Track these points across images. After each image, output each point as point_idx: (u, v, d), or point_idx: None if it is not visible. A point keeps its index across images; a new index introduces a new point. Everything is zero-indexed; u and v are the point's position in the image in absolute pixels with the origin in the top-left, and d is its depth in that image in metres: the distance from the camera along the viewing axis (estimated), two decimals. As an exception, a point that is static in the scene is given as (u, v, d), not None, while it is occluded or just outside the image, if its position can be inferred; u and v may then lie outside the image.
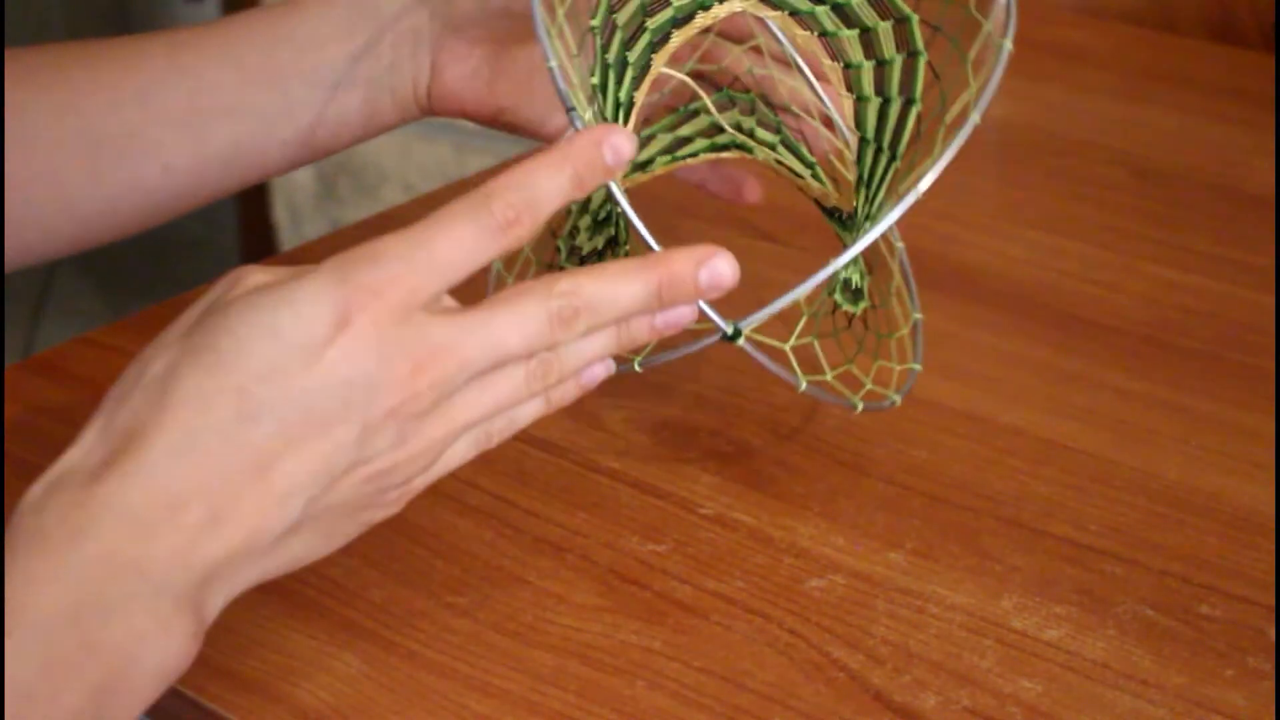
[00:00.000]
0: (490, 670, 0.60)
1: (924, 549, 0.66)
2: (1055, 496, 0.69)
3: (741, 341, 0.60)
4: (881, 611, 0.63)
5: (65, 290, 2.29)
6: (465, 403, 0.53)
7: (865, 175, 0.69)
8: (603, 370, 0.56)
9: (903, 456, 0.72)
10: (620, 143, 0.54)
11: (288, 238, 2.05)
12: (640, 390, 0.75)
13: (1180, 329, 0.83)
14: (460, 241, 0.51)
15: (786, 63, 0.74)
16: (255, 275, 0.52)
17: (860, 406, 0.68)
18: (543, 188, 0.53)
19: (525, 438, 0.72)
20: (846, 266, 0.67)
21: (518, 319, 0.52)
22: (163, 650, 0.49)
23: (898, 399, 0.69)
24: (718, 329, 0.59)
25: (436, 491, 0.68)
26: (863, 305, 0.70)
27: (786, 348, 0.66)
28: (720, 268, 0.54)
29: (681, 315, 0.55)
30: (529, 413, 0.55)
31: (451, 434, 0.53)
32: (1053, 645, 0.61)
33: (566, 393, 0.56)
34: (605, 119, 0.64)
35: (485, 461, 0.71)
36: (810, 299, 0.66)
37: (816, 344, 0.69)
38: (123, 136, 0.70)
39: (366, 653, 0.60)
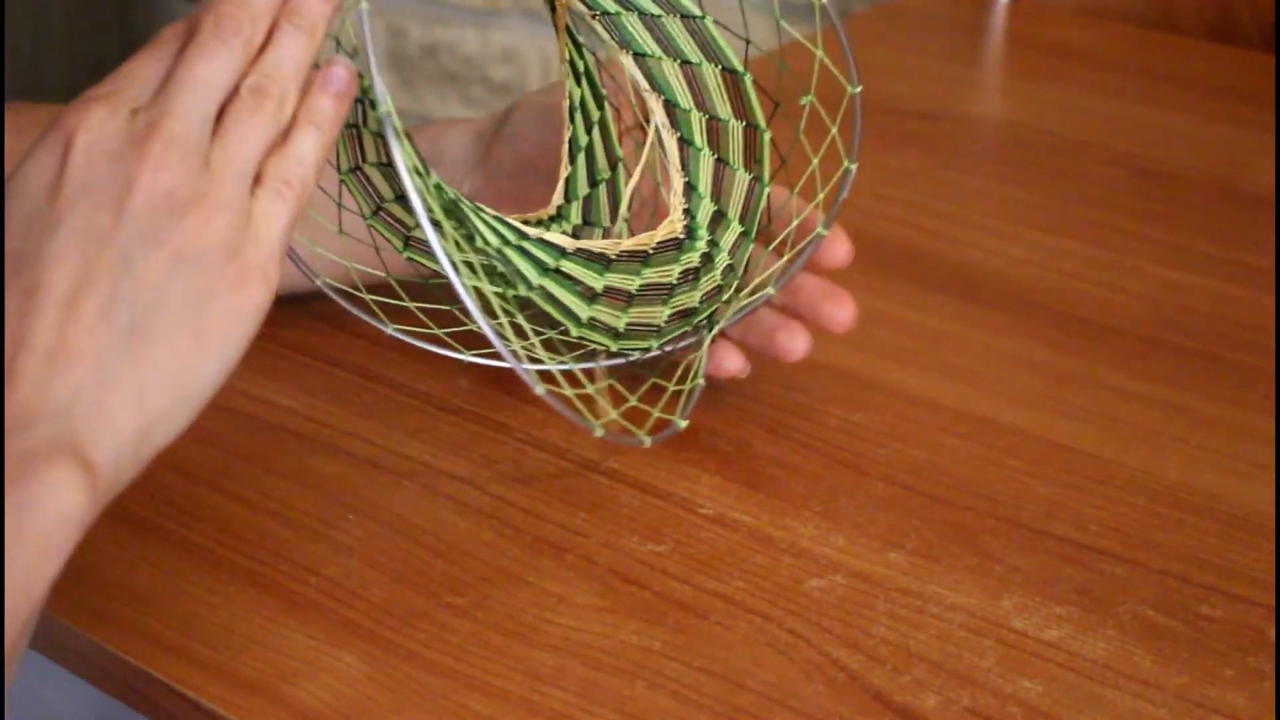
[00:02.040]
0: (490, 670, 0.60)
1: (924, 549, 0.66)
2: (1055, 496, 0.69)
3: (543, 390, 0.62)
4: (881, 611, 0.63)
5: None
6: (220, 156, 0.53)
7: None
8: (343, 70, 0.56)
9: (903, 456, 0.72)
10: None
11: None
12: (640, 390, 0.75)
13: (1180, 329, 0.83)
14: (151, 56, 0.54)
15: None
16: None
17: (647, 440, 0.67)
18: None
19: (525, 438, 0.72)
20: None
21: (192, 51, 0.54)
22: (55, 501, 0.49)
23: (646, 441, 0.67)
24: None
25: (436, 491, 0.69)
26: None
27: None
28: None
29: None
30: (307, 146, 0.56)
31: (226, 188, 0.53)
32: (1053, 645, 0.61)
33: (323, 108, 0.56)
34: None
35: (485, 461, 0.71)
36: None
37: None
38: None
39: (366, 653, 0.60)
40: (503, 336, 0.63)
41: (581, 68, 0.73)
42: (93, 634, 0.61)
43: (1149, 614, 0.63)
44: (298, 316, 0.79)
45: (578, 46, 0.72)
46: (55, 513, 0.49)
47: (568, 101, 0.72)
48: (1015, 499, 0.69)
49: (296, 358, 0.77)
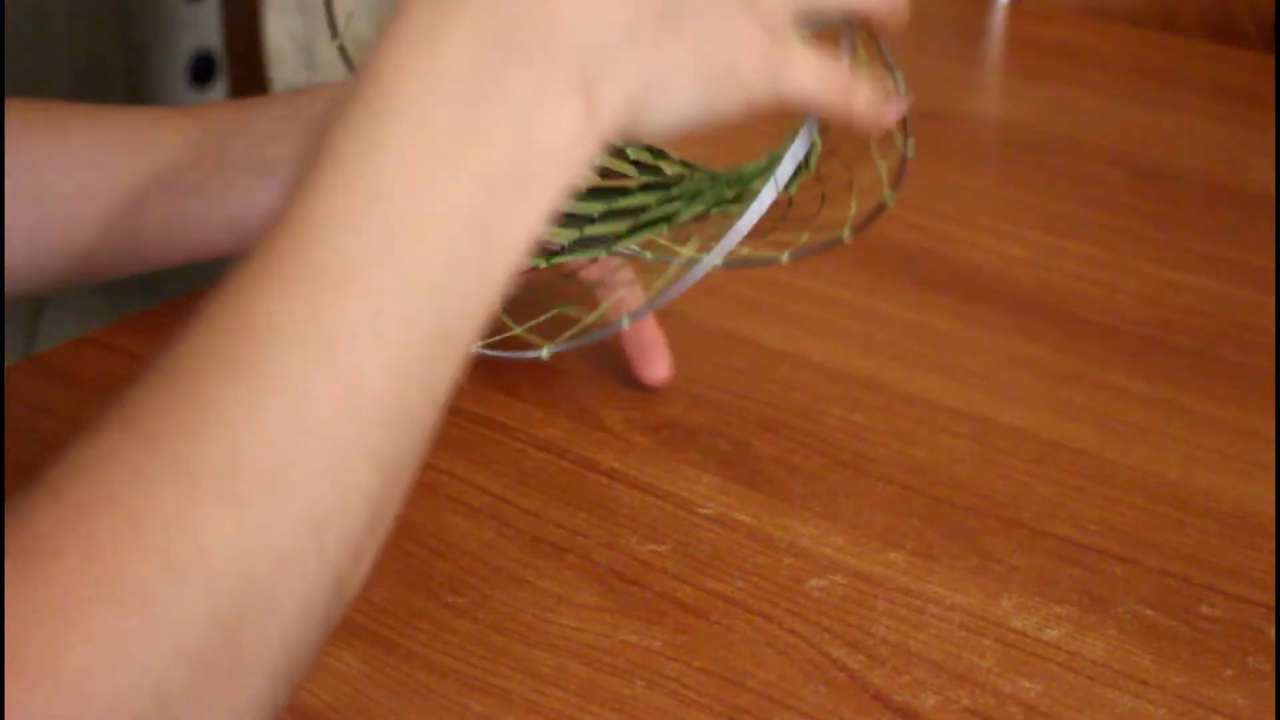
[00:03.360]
0: (490, 670, 0.60)
1: (924, 549, 0.66)
2: (1055, 496, 0.69)
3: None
4: (881, 611, 0.63)
5: (65, 290, 2.29)
6: None
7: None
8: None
9: (903, 456, 0.72)
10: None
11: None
12: (640, 390, 0.75)
13: (1180, 329, 0.83)
14: None
15: None
16: None
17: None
18: None
19: (526, 438, 0.72)
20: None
21: None
22: (553, 124, 0.47)
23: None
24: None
25: (436, 491, 0.69)
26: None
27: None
28: None
29: None
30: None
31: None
32: (1053, 645, 0.61)
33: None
34: None
35: (485, 461, 0.71)
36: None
37: None
38: (72, 198, 0.71)
39: (366, 653, 0.60)
40: None
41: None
42: (93, 634, 0.61)
43: (1148, 614, 0.63)
44: (298, 316, 0.79)
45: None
46: (552, 155, 0.47)
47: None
48: (1015, 499, 0.69)
49: (296, 358, 0.77)
